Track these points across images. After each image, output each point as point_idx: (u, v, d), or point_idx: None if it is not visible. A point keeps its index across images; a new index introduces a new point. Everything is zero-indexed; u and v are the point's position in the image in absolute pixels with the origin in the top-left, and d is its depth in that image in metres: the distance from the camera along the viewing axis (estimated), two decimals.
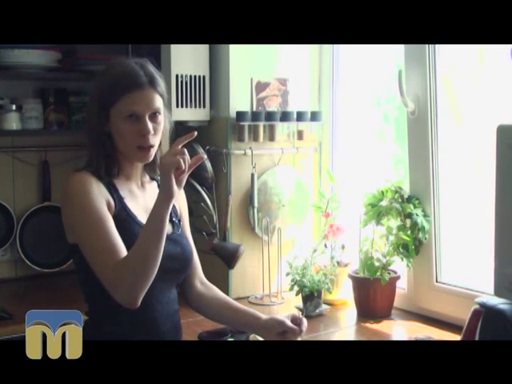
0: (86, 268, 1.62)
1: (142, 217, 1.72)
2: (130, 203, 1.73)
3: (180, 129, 2.51)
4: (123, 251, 1.59)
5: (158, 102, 1.70)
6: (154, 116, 1.69)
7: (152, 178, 1.85)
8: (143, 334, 1.68)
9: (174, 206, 1.86)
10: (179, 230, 1.83)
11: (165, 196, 1.54)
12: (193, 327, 2.14)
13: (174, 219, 1.82)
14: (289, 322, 1.74)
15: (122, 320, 1.65)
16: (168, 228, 1.79)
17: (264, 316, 1.81)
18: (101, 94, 1.70)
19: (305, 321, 1.74)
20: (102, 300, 1.62)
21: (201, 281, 1.91)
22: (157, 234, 1.56)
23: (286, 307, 2.56)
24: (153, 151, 1.71)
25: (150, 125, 1.67)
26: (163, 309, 1.73)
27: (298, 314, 1.79)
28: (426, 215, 2.38)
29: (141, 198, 1.77)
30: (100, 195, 1.65)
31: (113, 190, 1.70)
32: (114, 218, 1.65)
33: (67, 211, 1.67)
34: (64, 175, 3.00)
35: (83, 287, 1.73)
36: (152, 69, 1.72)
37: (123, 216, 1.68)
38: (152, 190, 1.82)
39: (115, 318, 1.65)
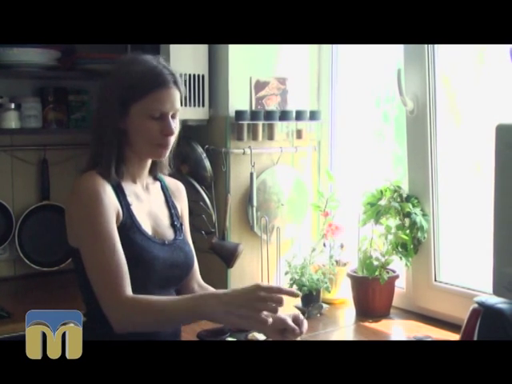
0: (86, 273, 1.61)
1: (146, 224, 1.72)
2: (136, 210, 1.71)
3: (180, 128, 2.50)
4: (126, 274, 1.58)
5: (179, 102, 1.71)
6: (174, 115, 1.70)
7: (155, 178, 1.84)
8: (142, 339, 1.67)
9: (175, 208, 1.85)
10: (181, 235, 1.82)
11: (213, 318, 1.52)
12: (192, 326, 2.14)
13: (175, 223, 1.81)
14: (290, 321, 1.71)
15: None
16: (170, 233, 1.78)
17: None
18: (122, 90, 1.66)
19: (305, 322, 1.72)
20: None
21: (198, 283, 1.91)
22: (180, 320, 1.59)
23: (284, 306, 2.54)
24: (169, 149, 1.72)
25: (173, 125, 1.68)
26: None
27: (299, 314, 1.78)
28: (424, 214, 2.38)
29: (145, 202, 1.76)
30: (110, 205, 1.62)
31: (120, 195, 1.68)
32: (120, 226, 1.64)
33: (74, 215, 1.64)
34: (63, 174, 3.02)
35: (82, 289, 1.72)
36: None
37: (128, 225, 1.66)
38: (156, 191, 1.82)
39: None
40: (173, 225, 1.81)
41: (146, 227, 1.71)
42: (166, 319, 1.55)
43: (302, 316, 1.74)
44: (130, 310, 1.55)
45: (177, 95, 1.69)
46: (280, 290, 1.52)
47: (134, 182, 1.75)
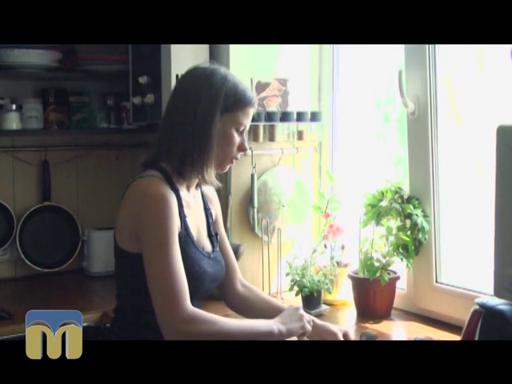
0: (135, 278, 1.62)
1: (195, 233, 1.74)
2: (189, 220, 1.72)
3: None
4: (187, 286, 1.60)
5: None
6: None
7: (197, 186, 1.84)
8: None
9: (211, 217, 1.87)
10: (218, 245, 1.84)
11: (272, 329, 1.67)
12: None
13: (212, 233, 1.83)
14: (340, 337, 1.79)
15: (156, 328, 1.62)
16: (208, 244, 1.80)
17: (318, 321, 1.83)
18: (226, 96, 1.68)
19: None
20: (140, 308, 1.62)
21: (241, 283, 1.93)
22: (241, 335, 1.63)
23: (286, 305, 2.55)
24: None
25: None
26: None
27: (349, 332, 1.83)
28: (425, 216, 2.37)
29: (192, 210, 1.77)
30: (177, 218, 1.63)
31: (180, 207, 1.68)
32: (178, 239, 1.64)
33: (142, 221, 1.62)
34: (64, 175, 3.03)
35: (121, 289, 1.73)
36: None
37: (184, 237, 1.68)
38: (198, 199, 1.83)
39: (149, 324, 1.64)
40: (210, 235, 1.82)
41: (195, 236, 1.73)
42: (227, 334, 1.61)
43: (351, 336, 1.81)
44: (193, 322, 1.57)
45: None
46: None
47: (188, 190, 1.76)
